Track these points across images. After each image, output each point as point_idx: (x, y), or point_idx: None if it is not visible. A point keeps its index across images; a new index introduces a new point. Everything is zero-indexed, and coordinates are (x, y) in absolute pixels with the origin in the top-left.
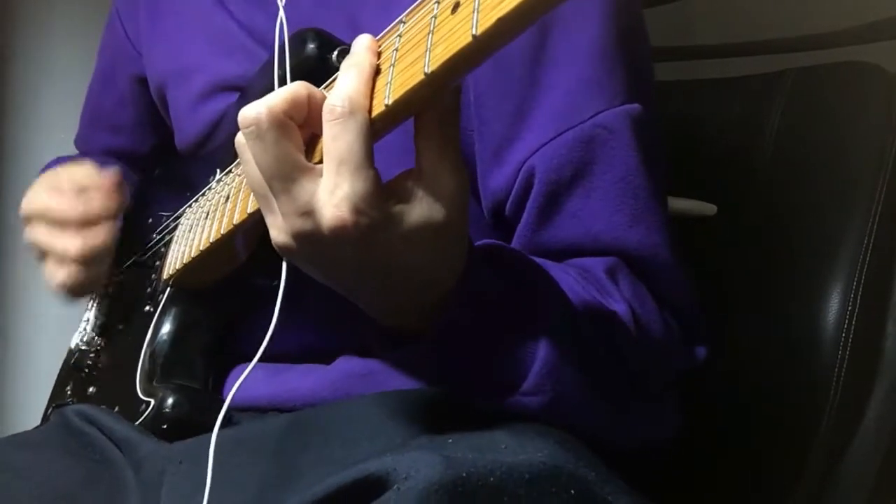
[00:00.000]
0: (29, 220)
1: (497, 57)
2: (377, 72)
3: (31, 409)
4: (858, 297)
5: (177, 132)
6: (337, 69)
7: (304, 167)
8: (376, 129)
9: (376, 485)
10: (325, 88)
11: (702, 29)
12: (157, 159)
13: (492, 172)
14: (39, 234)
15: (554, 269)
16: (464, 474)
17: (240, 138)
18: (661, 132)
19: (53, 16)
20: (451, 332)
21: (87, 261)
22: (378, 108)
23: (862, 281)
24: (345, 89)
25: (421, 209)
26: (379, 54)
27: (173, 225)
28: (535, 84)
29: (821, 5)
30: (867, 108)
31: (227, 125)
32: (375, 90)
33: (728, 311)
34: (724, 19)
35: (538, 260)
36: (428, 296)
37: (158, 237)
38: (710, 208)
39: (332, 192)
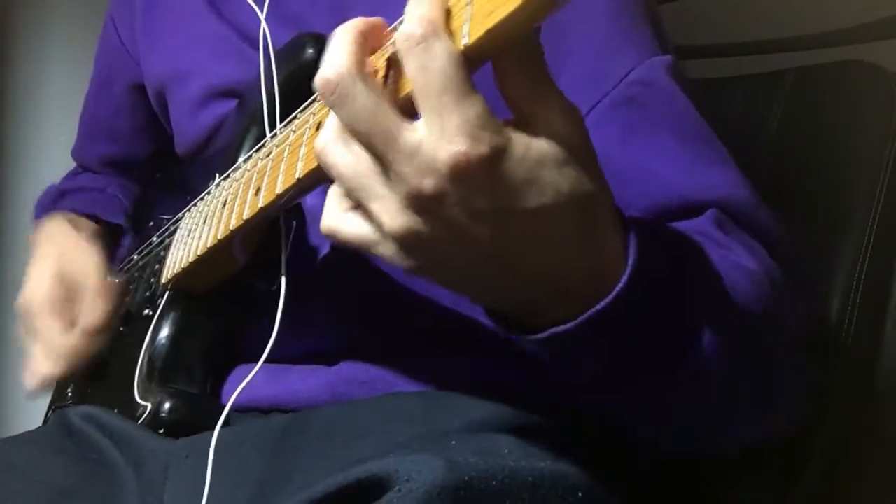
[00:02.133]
0: (30, 310)
1: None
2: (448, 12)
3: (31, 411)
4: (858, 297)
5: (176, 137)
6: None
7: (398, 117)
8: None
9: (378, 486)
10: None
11: (701, 28)
12: (158, 164)
13: None
14: (29, 332)
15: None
16: (466, 478)
17: (321, 141)
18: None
19: (53, 17)
20: (622, 317)
21: (60, 377)
22: (459, 46)
23: (862, 281)
24: (419, 14)
25: (541, 142)
26: None
27: (172, 229)
28: (560, 49)
29: (821, 4)
30: (867, 108)
31: (226, 130)
32: (453, 29)
33: None
34: (724, 19)
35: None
36: (578, 267)
37: (158, 240)
38: None
39: (442, 130)
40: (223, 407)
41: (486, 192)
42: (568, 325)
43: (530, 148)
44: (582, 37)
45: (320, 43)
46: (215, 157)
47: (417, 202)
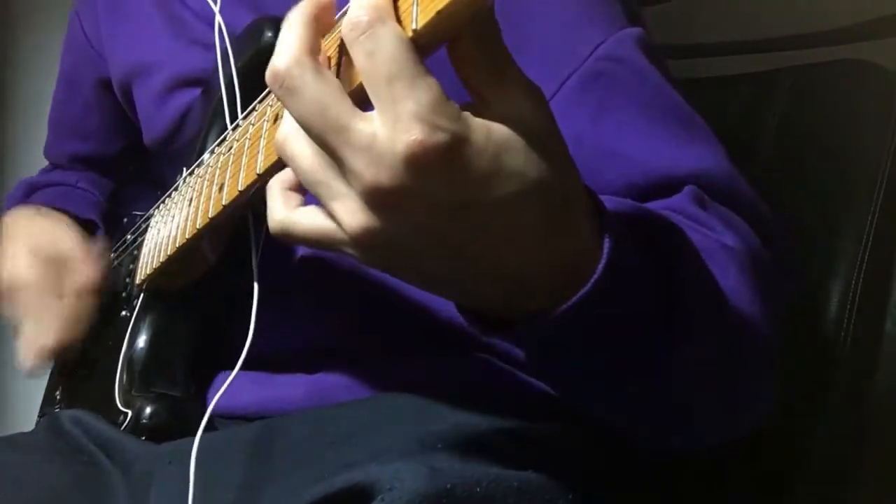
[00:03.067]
0: (11, 291)
1: None
2: None
3: (28, 412)
4: (858, 297)
5: (144, 129)
6: None
7: (351, 109)
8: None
9: (360, 495)
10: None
11: (700, 27)
12: (130, 159)
13: None
14: (19, 308)
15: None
16: (448, 486)
17: (281, 133)
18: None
19: (53, 16)
20: (602, 300)
21: (62, 347)
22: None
23: (861, 281)
24: (364, 1)
25: (500, 127)
26: None
27: (144, 226)
28: (520, 29)
29: (820, 3)
30: (866, 106)
31: (192, 120)
32: (401, 13)
33: None
34: (723, 18)
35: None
36: (558, 241)
37: (132, 238)
38: None
39: (395, 120)
40: (205, 410)
41: (447, 183)
42: (544, 320)
43: (491, 133)
44: (547, 13)
45: (279, 26)
46: (183, 148)
47: (376, 198)
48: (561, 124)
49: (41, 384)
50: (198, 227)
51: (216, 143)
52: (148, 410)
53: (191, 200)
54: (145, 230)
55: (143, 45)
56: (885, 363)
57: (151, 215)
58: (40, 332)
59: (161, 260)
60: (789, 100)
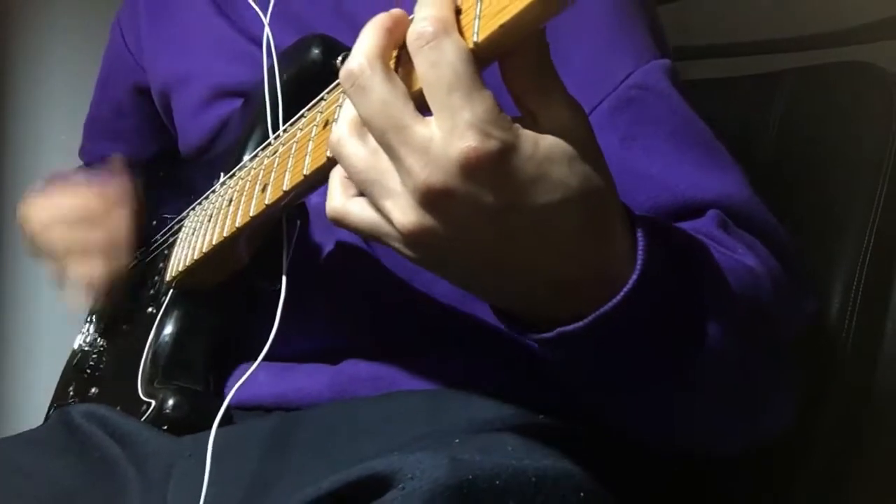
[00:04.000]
0: (41, 224)
1: None
2: (457, 11)
3: (32, 409)
4: (858, 297)
5: (181, 138)
6: None
7: (414, 111)
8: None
9: (381, 483)
10: (329, 91)
11: (701, 29)
12: (162, 164)
13: None
14: (59, 233)
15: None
16: (470, 476)
17: (336, 133)
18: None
19: (53, 16)
20: (632, 310)
21: (111, 252)
22: (469, 43)
23: (862, 281)
24: (429, 12)
25: (551, 138)
26: None
27: (176, 227)
28: (555, 53)
29: (821, 5)
30: (867, 108)
31: (230, 130)
32: (463, 26)
33: None
34: (724, 19)
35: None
36: (582, 261)
37: (162, 239)
38: None
39: (452, 127)
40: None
41: (496, 188)
42: (576, 325)
43: (539, 144)
44: (581, 39)
45: (325, 44)
46: (219, 156)
47: (428, 198)
48: None
49: (43, 384)
50: (237, 225)
51: (259, 148)
52: (171, 402)
53: (231, 200)
54: (177, 231)
55: (185, 56)
56: (886, 363)
57: (185, 217)
58: (87, 264)
59: (195, 258)
60: (790, 102)
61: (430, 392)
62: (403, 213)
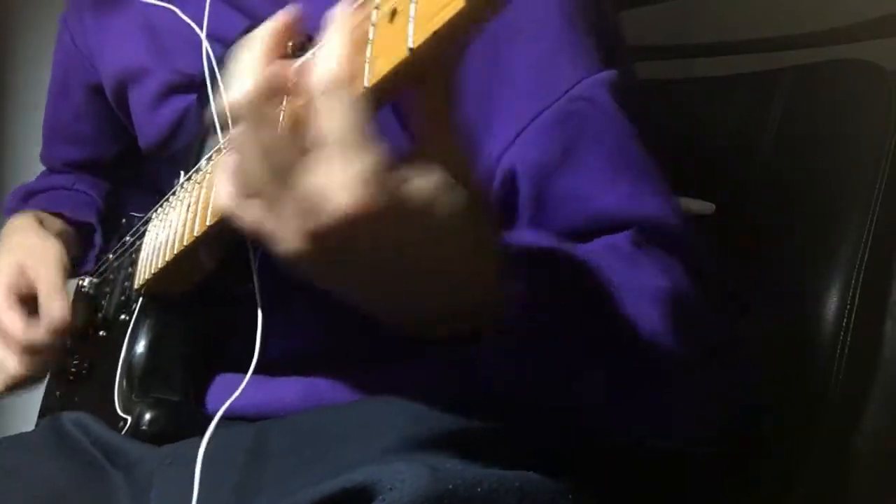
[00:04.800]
0: None
1: None
2: (358, 47)
3: (24, 414)
4: (857, 297)
5: (139, 135)
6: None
7: (302, 152)
8: (370, 102)
9: (361, 495)
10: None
11: (700, 27)
12: (127, 162)
13: None
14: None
15: (581, 248)
16: (451, 486)
17: (220, 163)
18: (641, 94)
19: (53, 16)
20: (511, 333)
21: (23, 381)
22: (366, 84)
23: (860, 280)
24: (331, 60)
25: (436, 181)
26: (359, 25)
27: (143, 230)
28: (498, 62)
29: (819, 3)
30: (866, 106)
31: (189, 125)
32: (357, 66)
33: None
34: (723, 17)
35: (566, 246)
36: (467, 290)
37: (130, 241)
38: (708, 207)
39: (343, 173)
40: (206, 414)
41: (379, 237)
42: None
43: (424, 193)
44: (526, 47)
45: None
46: (180, 152)
47: (310, 237)
48: (529, 154)
49: (37, 389)
50: (195, 234)
51: (212, 152)
52: (147, 416)
53: (188, 206)
54: (143, 234)
55: (131, 50)
56: (885, 363)
57: (149, 219)
58: (7, 357)
59: (158, 266)
60: (789, 100)
61: (408, 399)
62: (287, 243)
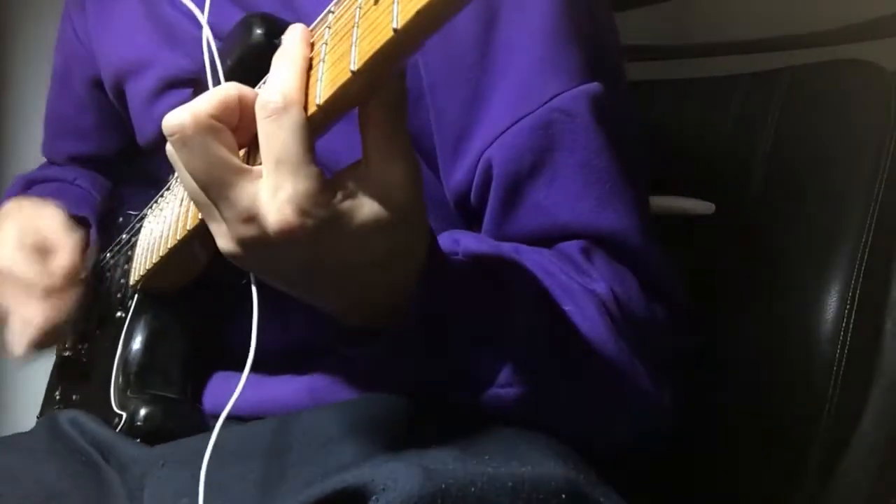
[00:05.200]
0: None
1: (446, 41)
2: (310, 66)
3: (28, 413)
4: (857, 297)
5: (136, 130)
6: None
7: (240, 170)
8: (314, 125)
9: (355, 496)
10: (260, 87)
11: (699, 27)
12: (129, 157)
13: (452, 165)
14: (4, 296)
15: (526, 251)
16: (443, 486)
17: (168, 148)
18: (630, 109)
19: (53, 16)
20: (416, 327)
21: (50, 329)
22: (311, 108)
23: (860, 280)
24: (277, 84)
25: (370, 205)
26: (312, 45)
27: (138, 227)
28: (488, 71)
29: (819, 3)
30: (865, 107)
31: None
32: (309, 86)
33: (726, 311)
34: (722, 17)
35: (508, 244)
36: (388, 294)
37: (126, 238)
38: (707, 207)
39: (274, 194)
40: (202, 412)
41: (306, 251)
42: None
43: (354, 216)
44: (516, 55)
45: (268, 22)
46: None
47: (242, 241)
48: (505, 157)
49: (41, 384)
50: (188, 228)
51: None
52: (143, 412)
53: (182, 201)
54: (139, 230)
55: (130, 44)
56: (886, 363)
57: (144, 215)
58: (25, 319)
59: (153, 261)
60: (788, 100)
61: (404, 397)
62: (223, 240)
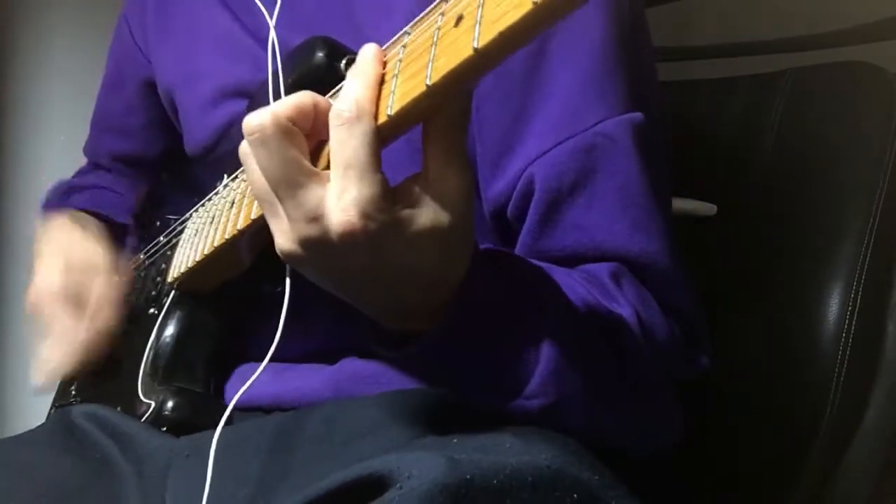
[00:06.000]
0: (40, 302)
1: None
2: (382, 81)
3: (33, 410)
4: (858, 297)
5: (186, 137)
6: (344, 77)
7: (311, 172)
8: (382, 135)
9: (379, 483)
10: (331, 97)
11: (701, 29)
12: (168, 162)
13: (493, 178)
14: (46, 322)
15: (558, 272)
16: (468, 476)
17: (244, 147)
18: (666, 136)
19: (53, 16)
20: (453, 333)
21: (88, 352)
22: (382, 118)
23: (862, 281)
24: (351, 95)
25: (428, 213)
26: (384, 63)
27: (180, 228)
28: (535, 90)
29: (820, 5)
30: (867, 109)
31: (236, 131)
32: (381, 98)
33: (728, 311)
34: (724, 19)
35: (541, 264)
36: (433, 298)
37: (165, 240)
38: (710, 208)
39: (340, 197)
40: (225, 406)
41: (365, 255)
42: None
43: (415, 222)
44: (564, 78)
45: (330, 47)
46: (224, 157)
47: (304, 241)
48: (548, 174)
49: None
50: (238, 228)
51: None
52: (171, 403)
53: (233, 202)
54: (180, 232)
55: (190, 53)
56: (887, 364)
57: (188, 218)
58: (56, 353)
59: (196, 259)
60: (790, 102)
61: (425, 393)
62: (284, 239)
